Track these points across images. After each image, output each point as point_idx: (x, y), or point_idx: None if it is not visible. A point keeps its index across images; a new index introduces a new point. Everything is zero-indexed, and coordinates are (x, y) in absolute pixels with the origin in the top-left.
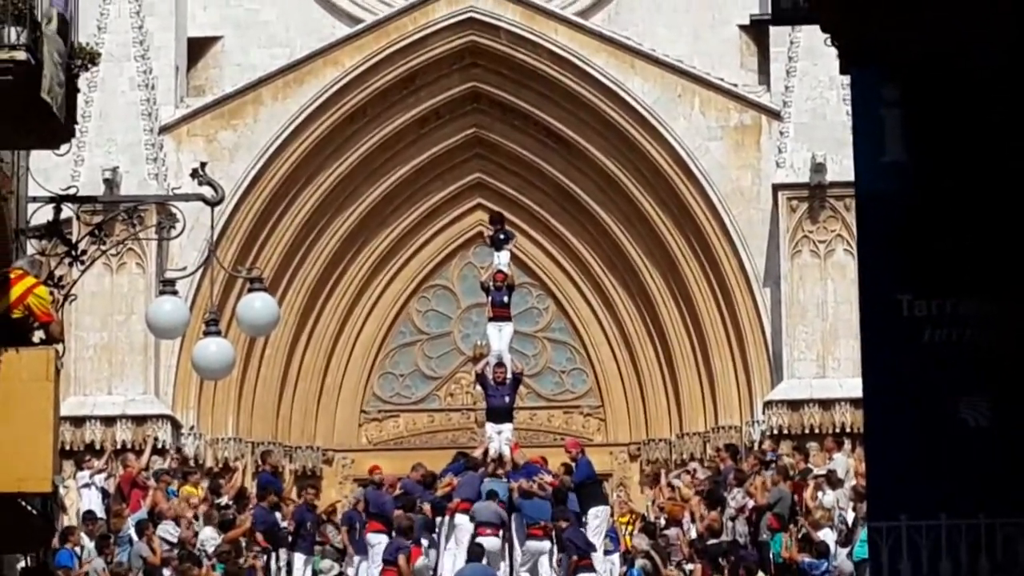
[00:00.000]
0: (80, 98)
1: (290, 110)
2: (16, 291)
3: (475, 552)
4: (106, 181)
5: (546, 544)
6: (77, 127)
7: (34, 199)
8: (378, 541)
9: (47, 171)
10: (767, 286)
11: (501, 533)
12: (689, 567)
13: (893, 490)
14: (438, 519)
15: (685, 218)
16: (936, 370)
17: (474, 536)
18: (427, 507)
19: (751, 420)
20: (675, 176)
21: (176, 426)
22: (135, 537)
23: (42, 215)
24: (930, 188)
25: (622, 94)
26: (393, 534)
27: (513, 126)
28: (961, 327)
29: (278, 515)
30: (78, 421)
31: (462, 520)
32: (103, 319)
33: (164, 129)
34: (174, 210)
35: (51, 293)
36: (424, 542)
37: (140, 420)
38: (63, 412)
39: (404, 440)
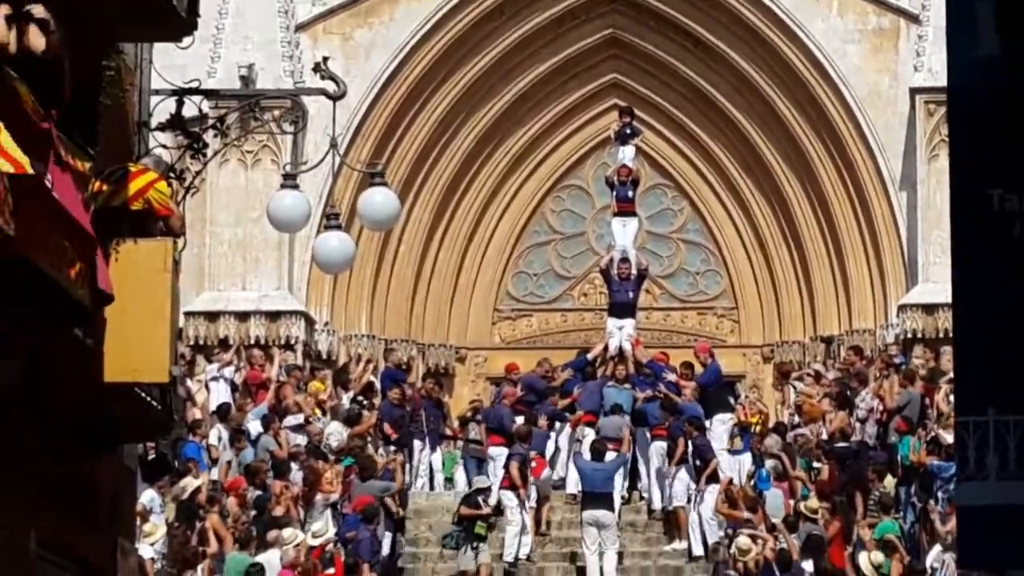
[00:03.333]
0: None
1: (426, 9)
2: (137, 184)
3: (597, 449)
4: (242, 78)
5: (664, 444)
6: (215, 23)
7: (157, 92)
8: (499, 454)
9: (183, 67)
10: (903, 190)
11: (622, 448)
12: (817, 466)
13: (981, 384)
14: (557, 425)
15: (821, 121)
16: None
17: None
18: (543, 421)
19: (885, 323)
20: (812, 79)
21: (310, 322)
22: (253, 432)
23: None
24: (1022, 82)
25: None
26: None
27: (650, 27)
28: None
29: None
30: (212, 316)
31: (586, 433)
32: (237, 215)
33: (300, 27)
34: (307, 107)
35: (171, 187)
36: (548, 453)
37: (274, 316)
38: (197, 307)
39: (537, 339)
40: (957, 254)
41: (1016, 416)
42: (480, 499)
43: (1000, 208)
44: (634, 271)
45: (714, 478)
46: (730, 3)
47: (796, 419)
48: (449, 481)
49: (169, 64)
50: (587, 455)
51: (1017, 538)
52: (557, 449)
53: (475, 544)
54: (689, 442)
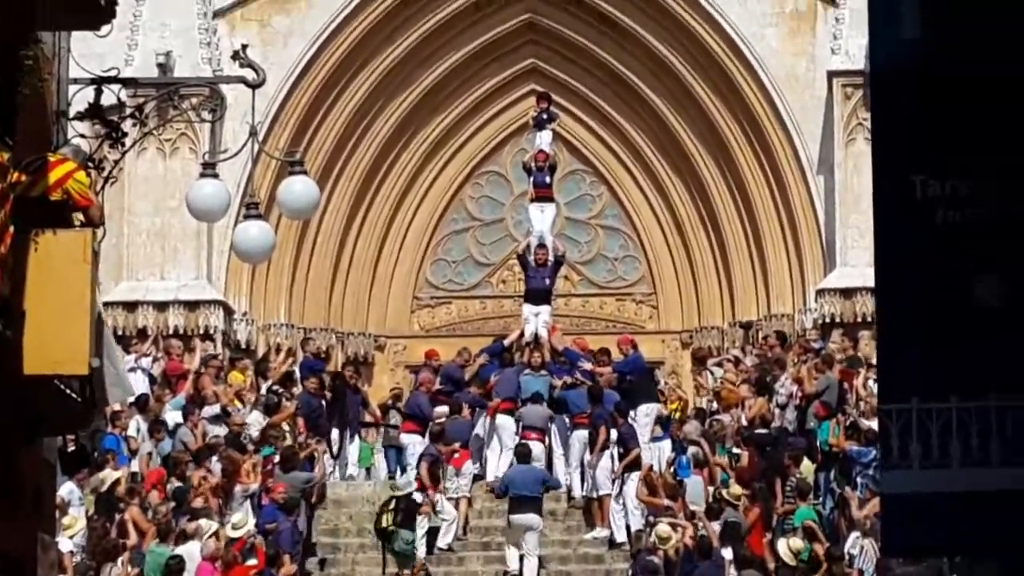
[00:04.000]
0: None
1: None
2: (55, 175)
3: (522, 453)
4: (159, 65)
5: (586, 433)
6: (131, 10)
7: (75, 81)
8: (411, 442)
9: (101, 56)
10: (820, 174)
11: (545, 438)
12: (737, 451)
13: (904, 372)
14: (480, 417)
15: (739, 104)
16: (949, 252)
17: (520, 438)
18: (466, 411)
19: (803, 308)
20: (729, 62)
21: (228, 312)
22: (171, 422)
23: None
24: (945, 66)
25: None
26: (427, 437)
27: (567, 11)
28: (974, 207)
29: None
30: (131, 306)
31: (504, 420)
32: (156, 204)
33: (218, 14)
34: (225, 95)
35: (89, 176)
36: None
37: (192, 305)
38: (116, 297)
39: (456, 327)
40: (879, 241)
41: (939, 404)
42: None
43: (923, 195)
44: (551, 257)
45: (636, 466)
46: None
47: (715, 405)
48: (368, 471)
49: (87, 52)
50: (512, 459)
51: (939, 525)
52: (477, 436)
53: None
54: (612, 430)
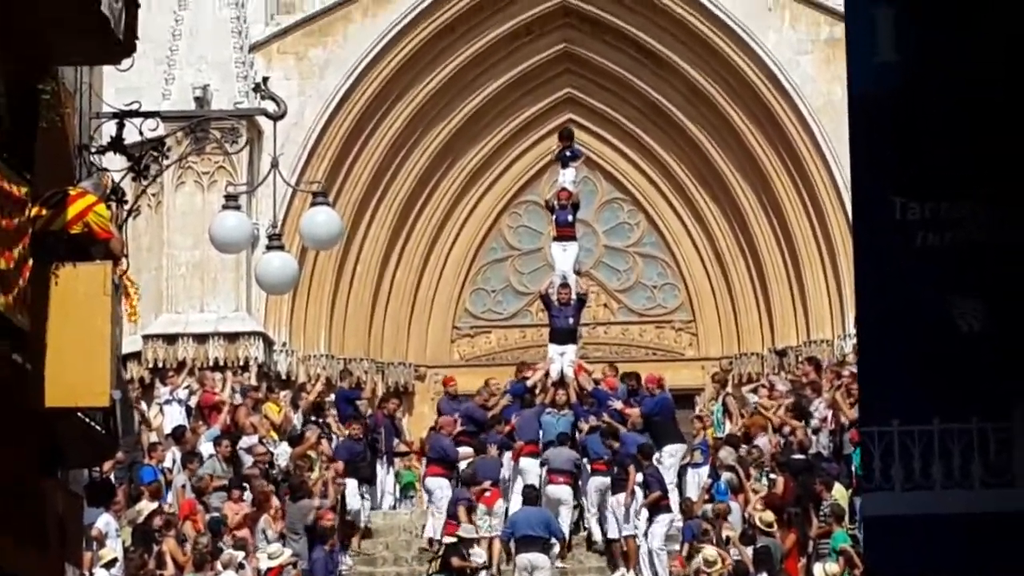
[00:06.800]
0: (171, 17)
1: (380, 26)
2: (75, 208)
3: (529, 496)
4: (197, 99)
5: (608, 480)
6: (168, 45)
7: (98, 115)
8: (438, 486)
9: (138, 90)
10: None
11: (573, 481)
12: (772, 477)
13: (885, 395)
14: (506, 457)
15: (776, 132)
16: (929, 274)
17: (546, 482)
18: (493, 450)
19: (843, 334)
20: (765, 90)
21: (268, 343)
22: (206, 454)
23: (130, 134)
24: (922, 89)
25: (712, 8)
26: (455, 481)
27: (603, 41)
28: (955, 230)
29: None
30: (171, 339)
31: (528, 464)
32: (195, 237)
33: (254, 47)
34: (262, 127)
35: (110, 209)
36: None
37: (232, 337)
38: (156, 330)
39: (496, 356)
40: (859, 263)
41: (920, 426)
42: (466, 550)
43: (903, 217)
44: (574, 296)
45: (663, 508)
46: (683, 16)
47: (729, 427)
48: (409, 499)
49: (125, 87)
50: (520, 501)
51: (921, 548)
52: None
53: None
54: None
